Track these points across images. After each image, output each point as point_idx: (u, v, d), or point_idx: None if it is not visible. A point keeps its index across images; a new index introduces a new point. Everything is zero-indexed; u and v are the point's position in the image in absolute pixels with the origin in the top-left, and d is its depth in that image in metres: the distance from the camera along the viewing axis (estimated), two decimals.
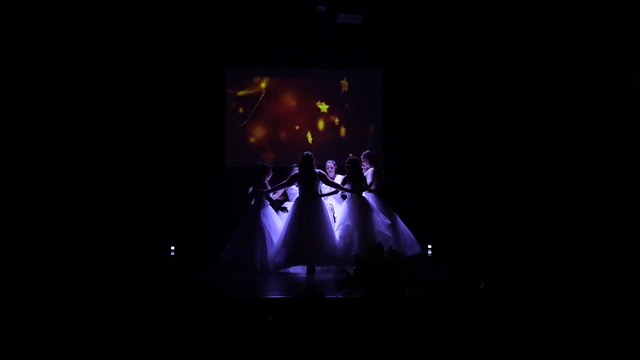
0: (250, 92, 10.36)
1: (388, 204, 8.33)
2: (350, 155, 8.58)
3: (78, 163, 9.17)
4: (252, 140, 10.31)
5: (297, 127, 10.35)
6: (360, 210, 8.02)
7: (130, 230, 9.14)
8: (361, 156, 8.48)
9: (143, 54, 9.55)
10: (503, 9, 9.07)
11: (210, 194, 9.55)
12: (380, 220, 8.01)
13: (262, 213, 8.12)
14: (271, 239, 7.97)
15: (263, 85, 10.39)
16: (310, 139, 10.32)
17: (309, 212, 7.84)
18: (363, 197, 8.19)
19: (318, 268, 7.77)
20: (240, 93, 10.34)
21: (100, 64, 9.35)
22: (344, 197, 8.36)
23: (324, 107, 10.41)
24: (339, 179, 8.86)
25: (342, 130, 10.46)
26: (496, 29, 9.49)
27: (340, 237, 7.86)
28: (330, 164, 8.89)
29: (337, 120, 10.45)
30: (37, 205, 8.79)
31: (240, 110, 10.31)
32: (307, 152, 8.17)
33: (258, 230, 7.99)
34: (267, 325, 3.77)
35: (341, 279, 5.85)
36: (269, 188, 8.19)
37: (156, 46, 9.52)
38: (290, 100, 10.40)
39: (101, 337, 4.36)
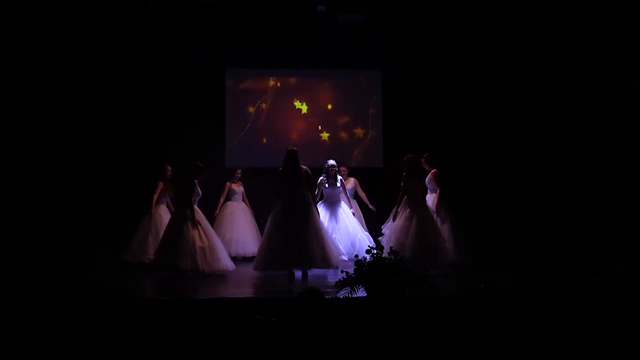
0: (250, 92, 10.36)
1: (449, 208, 8.05)
2: (406, 157, 7.88)
3: (75, 162, 9.17)
4: (252, 139, 10.30)
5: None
6: (420, 214, 7.56)
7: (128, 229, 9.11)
8: (423, 157, 8.17)
9: (143, 54, 9.54)
10: (503, 9, 9.05)
11: (210, 194, 9.50)
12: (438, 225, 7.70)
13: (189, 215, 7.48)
14: (203, 242, 7.43)
15: (263, 85, 10.38)
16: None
17: (295, 213, 7.32)
18: (424, 199, 7.78)
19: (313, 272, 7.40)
20: (240, 93, 10.34)
21: (100, 63, 9.35)
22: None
23: (323, 106, 10.43)
24: (351, 183, 9.07)
25: (341, 131, 10.45)
26: (496, 29, 9.47)
27: (396, 239, 7.37)
28: (342, 167, 9.01)
29: (335, 120, 10.45)
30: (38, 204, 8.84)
31: (240, 110, 10.31)
32: (291, 147, 7.71)
33: (189, 234, 7.36)
34: (269, 325, 3.77)
35: (341, 279, 5.85)
36: (199, 190, 7.63)
37: (156, 46, 9.51)
38: (289, 100, 10.39)
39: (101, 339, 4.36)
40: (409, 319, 4.37)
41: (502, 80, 9.77)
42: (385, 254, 6.96)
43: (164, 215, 8.46)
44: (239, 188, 9.34)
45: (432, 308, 5.28)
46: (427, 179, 8.06)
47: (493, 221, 9.45)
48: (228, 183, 9.29)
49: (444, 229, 7.85)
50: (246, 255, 9.02)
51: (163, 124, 9.52)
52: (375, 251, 5.96)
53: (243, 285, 7.13)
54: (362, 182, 9.40)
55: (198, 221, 7.50)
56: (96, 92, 9.36)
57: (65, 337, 4.39)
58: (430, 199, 8.05)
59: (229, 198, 9.32)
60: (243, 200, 9.42)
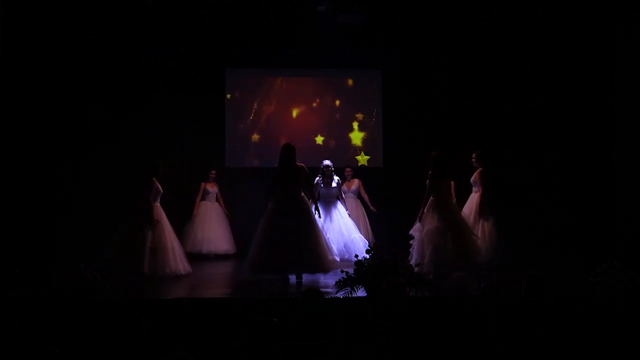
0: (250, 92, 10.35)
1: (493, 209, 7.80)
2: (432, 153, 7.59)
3: (74, 161, 9.16)
4: (252, 140, 10.30)
5: (322, 129, 10.32)
6: (451, 214, 7.26)
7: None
8: (474, 155, 7.98)
9: (142, 54, 9.53)
10: (503, 9, 9.06)
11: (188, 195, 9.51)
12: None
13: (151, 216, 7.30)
14: (154, 244, 7.21)
15: (262, 85, 10.38)
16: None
17: (291, 213, 6.82)
18: (452, 198, 7.43)
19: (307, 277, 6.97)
20: (240, 93, 10.33)
21: (98, 63, 9.33)
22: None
23: (323, 107, 10.42)
24: (355, 184, 9.17)
25: (341, 131, 10.44)
26: (496, 29, 9.48)
27: (433, 242, 7.07)
28: (347, 169, 9.11)
29: (335, 121, 10.45)
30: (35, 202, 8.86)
31: (240, 110, 10.31)
32: (288, 142, 7.21)
33: (140, 235, 7.19)
34: (269, 325, 3.77)
35: (341, 279, 5.85)
36: (159, 187, 7.41)
37: (156, 46, 9.50)
38: (289, 100, 10.38)
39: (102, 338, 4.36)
40: (409, 319, 4.36)
41: (502, 80, 9.76)
42: (415, 258, 6.96)
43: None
44: (213, 188, 9.52)
45: (432, 308, 5.29)
46: (472, 178, 7.94)
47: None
48: (203, 183, 9.45)
49: (487, 228, 7.72)
50: (217, 254, 9.23)
51: (162, 124, 9.50)
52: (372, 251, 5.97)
53: (220, 286, 7.14)
54: (362, 182, 9.41)
55: (157, 220, 7.29)
56: (94, 92, 9.35)
57: (65, 337, 4.40)
58: (474, 198, 7.90)
59: (203, 198, 9.51)
60: (217, 201, 9.56)
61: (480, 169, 7.96)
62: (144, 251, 7.11)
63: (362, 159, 10.33)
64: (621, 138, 9.00)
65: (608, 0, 8.85)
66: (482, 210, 7.78)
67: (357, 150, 10.39)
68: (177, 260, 7.32)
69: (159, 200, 7.49)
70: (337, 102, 10.43)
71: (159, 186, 7.44)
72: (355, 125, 10.41)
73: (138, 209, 7.42)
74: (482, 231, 7.75)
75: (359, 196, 9.28)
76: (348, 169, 9.23)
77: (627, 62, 8.85)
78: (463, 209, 7.87)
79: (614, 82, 9.11)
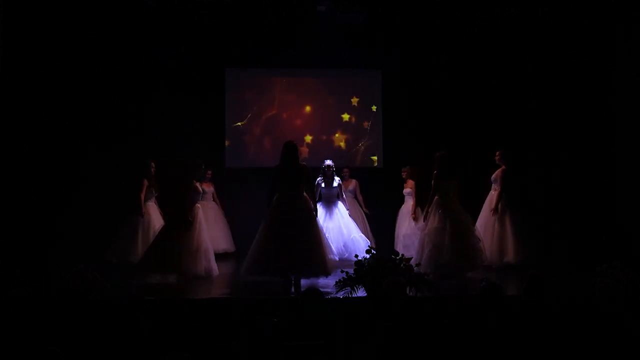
0: (250, 92, 10.35)
1: (512, 208, 7.82)
2: (437, 153, 7.53)
3: (75, 163, 9.16)
4: (252, 140, 10.31)
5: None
6: (453, 214, 7.19)
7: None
8: (498, 153, 7.94)
9: (142, 55, 9.53)
10: (503, 9, 9.07)
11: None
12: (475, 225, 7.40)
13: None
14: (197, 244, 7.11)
15: (262, 85, 10.38)
16: (309, 139, 10.32)
17: (293, 215, 6.62)
18: (456, 198, 7.35)
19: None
20: (240, 93, 10.32)
21: (97, 64, 9.32)
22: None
23: (323, 107, 10.42)
24: (352, 184, 9.16)
25: (341, 130, 10.44)
26: (496, 29, 9.49)
27: (432, 242, 7.07)
28: (345, 170, 9.10)
29: (335, 121, 10.45)
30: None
31: (240, 110, 10.30)
32: (290, 140, 6.97)
33: (183, 236, 7.08)
34: (269, 325, 3.78)
35: (341, 279, 5.85)
36: (199, 188, 7.34)
37: (156, 46, 9.50)
38: (289, 100, 10.38)
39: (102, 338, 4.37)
40: (409, 319, 4.37)
41: (502, 80, 9.76)
42: (415, 257, 6.91)
43: (152, 213, 8.41)
44: (209, 188, 9.52)
45: (432, 308, 5.29)
46: (493, 176, 7.92)
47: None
48: (198, 183, 9.46)
49: (506, 227, 7.71)
50: (217, 252, 9.11)
51: (162, 124, 9.50)
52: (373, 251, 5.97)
53: (220, 286, 7.10)
54: (362, 182, 9.41)
55: (191, 220, 7.07)
56: (94, 92, 9.34)
57: (65, 337, 4.40)
58: (493, 196, 7.89)
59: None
60: (214, 200, 9.59)
61: (503, 167, 7.91)
62: (181, 252, 6.95)
63: (374, 159, 10.35)
64: (621, 138, 9.00)
65: (608, 0, 8.86)
66: (496, 208, 7.75)
67: (356, 151, 10.39)
68: (201, 261, 7.12)
69: (200, 199, 7.48)
70: (337, 102, 10.42)
71: (198, 187, 7.35)
72: (354, 125, 10.41)
73: (176, 209, 7.28)
74: (497, 229, 7.74)
75: (355, 196, 9.29)
76: (346, 170, 9.25)
77: (627, 62, 8.85)
78: (483, 208, 7.92)
79: (614, 82, 9.11)
